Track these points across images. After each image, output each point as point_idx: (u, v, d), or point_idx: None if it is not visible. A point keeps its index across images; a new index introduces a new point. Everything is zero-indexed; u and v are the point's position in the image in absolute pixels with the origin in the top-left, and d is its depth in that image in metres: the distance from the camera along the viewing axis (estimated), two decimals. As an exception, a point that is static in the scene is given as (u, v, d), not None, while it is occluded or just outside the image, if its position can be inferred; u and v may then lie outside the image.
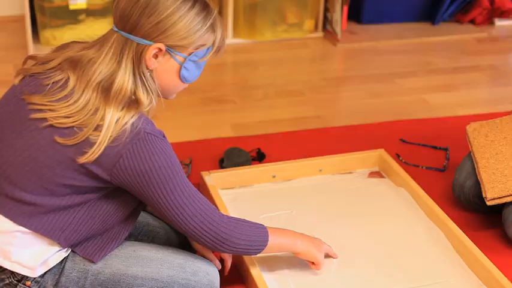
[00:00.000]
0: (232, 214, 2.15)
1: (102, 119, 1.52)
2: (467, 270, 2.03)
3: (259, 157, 2.58)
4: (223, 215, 1.70)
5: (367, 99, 3.17)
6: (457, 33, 3.90)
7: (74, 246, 1.66)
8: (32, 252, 1.61)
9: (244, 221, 1.75)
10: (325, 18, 3.80)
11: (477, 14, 3.95)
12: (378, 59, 3.59)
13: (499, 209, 2.20)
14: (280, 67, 3.47)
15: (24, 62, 1.67)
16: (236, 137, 2.76)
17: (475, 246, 2.05)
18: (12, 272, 1.63)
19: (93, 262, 1.67)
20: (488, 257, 2.01)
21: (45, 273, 1.65)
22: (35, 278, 1.64)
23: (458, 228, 2.12)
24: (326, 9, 3.78)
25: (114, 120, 1.52)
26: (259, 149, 2.62)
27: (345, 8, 3.73)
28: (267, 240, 1.77)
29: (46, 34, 3.40)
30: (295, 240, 1.87)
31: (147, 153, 1.55)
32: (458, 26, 3.97)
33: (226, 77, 3.42)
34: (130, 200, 1.66)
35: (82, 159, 1.53)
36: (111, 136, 1.52)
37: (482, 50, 3.76)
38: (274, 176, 2.40)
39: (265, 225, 1.80)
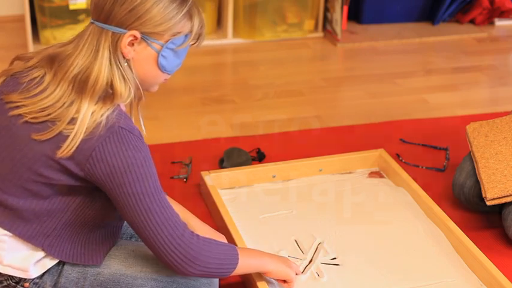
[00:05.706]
0: (232, 214, 2.15)
1: (78, 111, 1.50)
2: (467, 270, 2.03)
3: (259, 157, 2.58)
4: (193, 232, 1.61)
5: (367, 99, 3.16)
6: (457, 33, 3.90)
7: (66, 258, 1.63)
8: (23, 255, 1.60)
9: (214, 240, 1.66)
10: (325, 18, 3.80)
11: (477, 14, 3.95)
12: (378, 59, 3.59)
13: (499, 209, 2.20)
14: (280, 67, 3.47)
15: (11, 63, 1.65)
16: (236, 137, 2.76)
17: (475, 246, 2.04)
18: (9, 274, 1.62)
19: (96, 265, 1.66)
20: (488, 257, 2.01)
21: (43, 274, 1.64)
22: (33, 279, 1.63)
23: (458, 228, 2.12)
24: (326, 9, 3.78)
25: (89, 113, 1.50)
26: (259, 149, 2.61)
27: (345, 8, 3.73)
28: (238, 260, 1.68)
29: (46, 34, 3.40)
30: (264, 259, 1.80)
31: (120, 148, 1.50)
32: (458, 26, 3.98)
33: (226, 77, 3.42)
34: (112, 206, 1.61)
35: (58, 154, 1.49)
36: (86, 129, 1.49)
37: (482, 50, 3.76)
38: (274, 176, 2.40)
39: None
